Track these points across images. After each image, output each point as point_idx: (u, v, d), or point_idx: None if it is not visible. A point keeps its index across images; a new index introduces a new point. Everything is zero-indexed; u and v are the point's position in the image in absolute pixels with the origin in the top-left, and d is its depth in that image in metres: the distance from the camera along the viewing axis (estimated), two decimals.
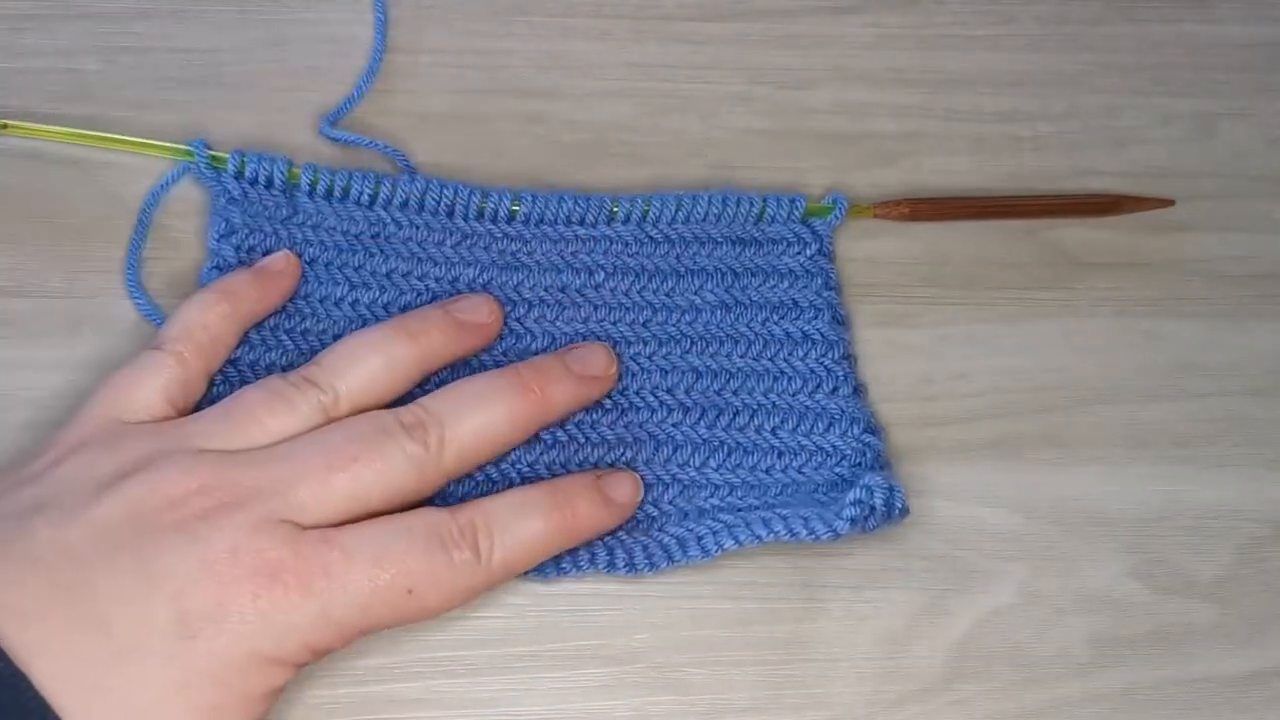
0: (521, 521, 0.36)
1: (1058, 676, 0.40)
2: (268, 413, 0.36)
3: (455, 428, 0.36)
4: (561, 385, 0.39)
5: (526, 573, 0.38)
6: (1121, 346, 0.45)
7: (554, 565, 0.38)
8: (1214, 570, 0.42)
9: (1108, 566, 0.41)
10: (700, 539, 0.38)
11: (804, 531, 0.38)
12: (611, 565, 0.38)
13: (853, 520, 0.37)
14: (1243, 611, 0.41)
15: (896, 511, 0.38)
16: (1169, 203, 0.46)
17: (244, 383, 0.39)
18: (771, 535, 0.38)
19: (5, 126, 0.43)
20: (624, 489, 0.39)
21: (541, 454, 0.40)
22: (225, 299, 0.39)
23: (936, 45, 0.49)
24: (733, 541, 0.38)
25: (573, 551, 0.38)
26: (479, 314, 0.40)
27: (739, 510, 0.40)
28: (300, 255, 0.42)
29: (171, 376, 0.37)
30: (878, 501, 0.37)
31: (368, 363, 0.37)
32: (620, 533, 0.39)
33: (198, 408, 0.38)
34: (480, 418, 0.37)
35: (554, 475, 0.40)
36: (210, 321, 0.39)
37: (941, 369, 0.44)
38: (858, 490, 0.38)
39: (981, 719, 0.39)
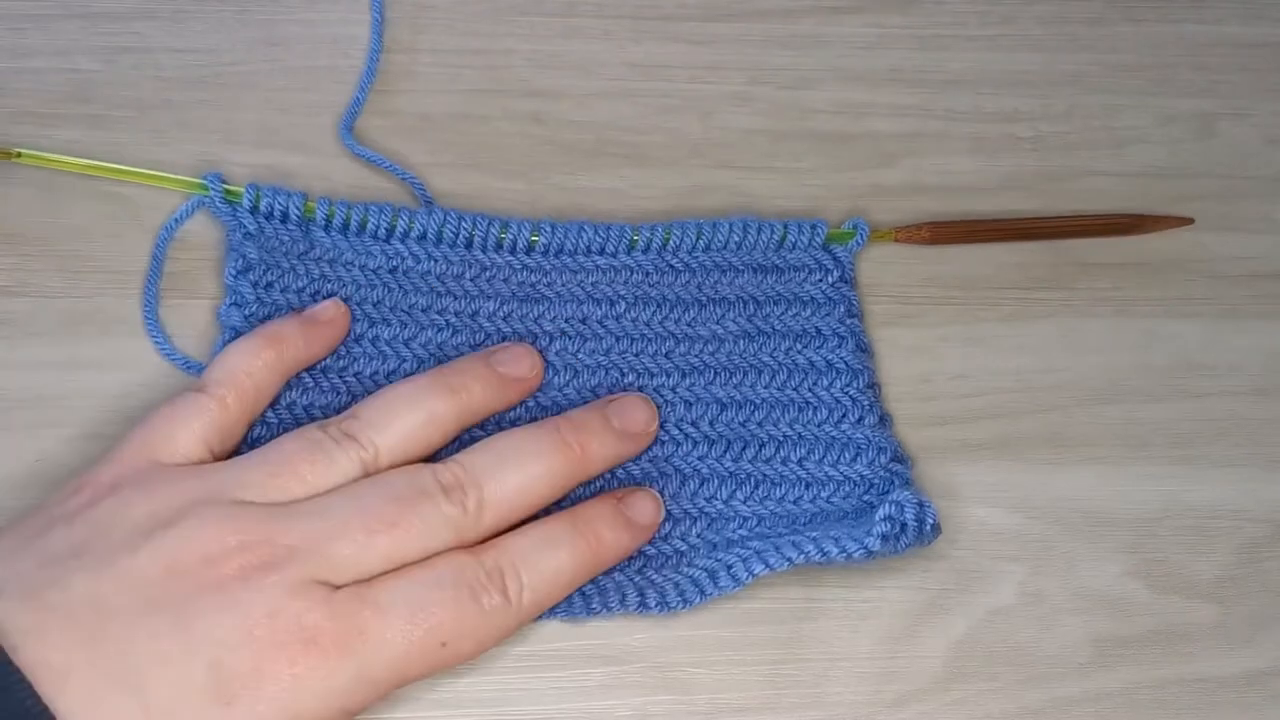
0: (547, 557, 0.36)
1: (1058, 676, 0.40)
2: (307, 466, 0.35)
3: (494, 488, 0.36)
4: (601, 441, 0.38)
5: (555, 613, 0.38)
6: (1121, 346, 0.44)
7: (584, 607, 0.38)
8: (1214, 570, 0.42)
9: (1108, 566, 0.41)
10: (730, 568, 0.38)
11: (835, 550, 0.37)
12: (643, 605, 0.38)
13: (884, 537, 0.37)
14: (1243, 611, 0.41)
15: (928, 528, 0.37)
16: (1188, 221, 0.46)
17: (262, 420, 0.39)
18: (802, 557, 0.37)
19: (19, 155, 0.42)
20: (645, 510, 0.39)
21: None
22: (271, 345, 0.38)
23: (936, 45, 0.49)
24: (763, 566, 0.37)
25: (603, 593, 0.38)
26: (520, 368, 0.40)
27: (768, 537, 0.39)
28: (317, 292, 0.41)
29: (211, 421, 0.37)
30: (908, 518, 0.37)
31: (407, 418, 0.37)
32: (650, 571, 0.39)
33: (235, 453, 0.38)
34: (519, 477, 0.36)
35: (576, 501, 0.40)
36: (255, 368, 0.38)
37: (941, 369, 0.44)
38: (888, 507, 0.37)
39: (981, 719, 0.39)
